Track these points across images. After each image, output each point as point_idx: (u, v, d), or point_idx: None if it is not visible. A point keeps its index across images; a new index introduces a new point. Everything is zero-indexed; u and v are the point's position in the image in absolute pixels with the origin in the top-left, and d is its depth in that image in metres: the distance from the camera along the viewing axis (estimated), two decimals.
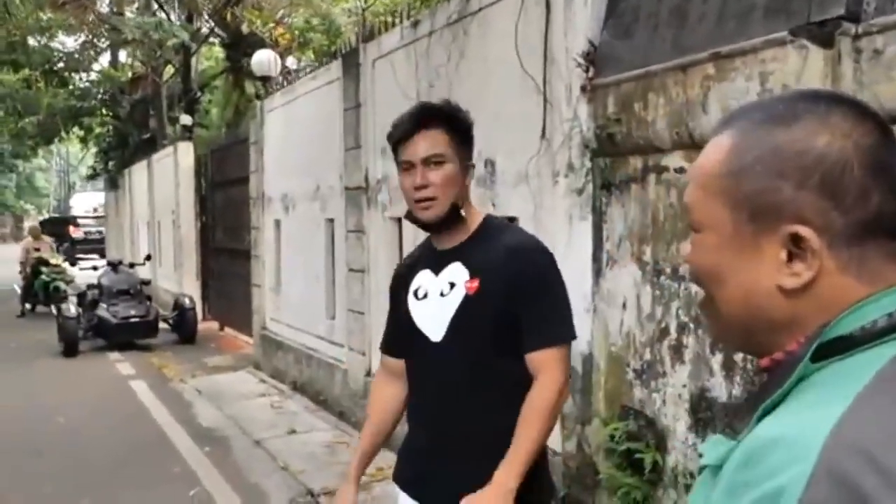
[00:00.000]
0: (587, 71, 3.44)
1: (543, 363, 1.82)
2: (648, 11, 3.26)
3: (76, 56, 18.23)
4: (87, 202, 35.31)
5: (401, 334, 1.99)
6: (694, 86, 2.90)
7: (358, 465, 2.04)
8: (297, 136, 7.38)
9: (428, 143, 1.82)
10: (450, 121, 1.87)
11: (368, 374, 5.83)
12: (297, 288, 7.45)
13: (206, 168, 11.58)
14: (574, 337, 1.89)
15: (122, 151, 18.22)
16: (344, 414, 6.20)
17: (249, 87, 11.69)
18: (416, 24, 5.00)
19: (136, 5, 15.73)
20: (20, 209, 44.60)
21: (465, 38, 4.45)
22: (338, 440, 5.65)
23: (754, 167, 0.72)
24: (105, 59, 19.89)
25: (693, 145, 2.91)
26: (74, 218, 29.51)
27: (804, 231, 0.70)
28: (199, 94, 15.54)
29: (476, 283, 1.83)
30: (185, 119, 12.91)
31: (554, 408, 1.81)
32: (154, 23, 11.69)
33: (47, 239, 13.75)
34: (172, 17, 14.43)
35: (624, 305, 3.38)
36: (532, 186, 3.88)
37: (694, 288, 2.84)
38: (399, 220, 5.32)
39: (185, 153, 12.33)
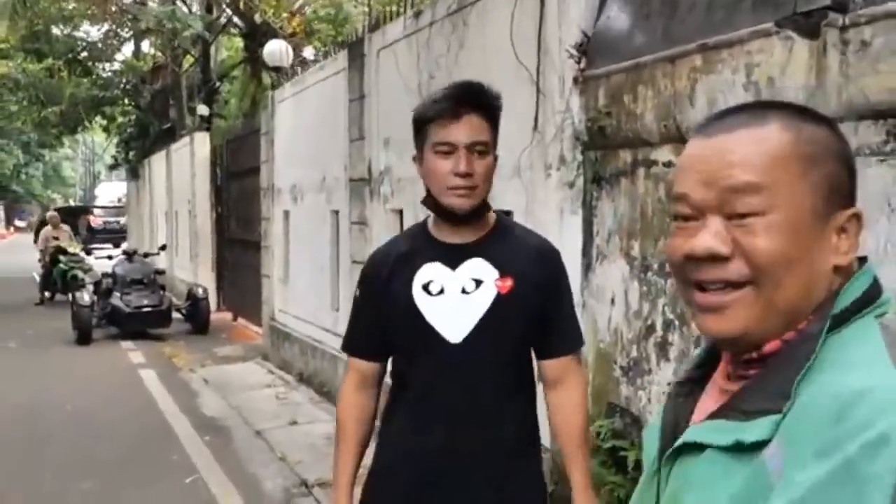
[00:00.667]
0: (579, 62, 3.42)
1: (569, 368, 1.83)
2: (641, 1, 3.22)
3: (99, 45, 18.48)
4: (111, 192, 35.83)
5: (377, 333, 1.83)
6: (682, 78, 2.86)
7: (348, 496, 1.84)
8: (305, 126, 7.42)
9: (474, 128, 1.69)
10: (492, 106, 1.75)
11: None
12: (304, 279, 7.50)
13: (221, 158, 11.69)
14: (584, 342, 1.93)
15: (143, 141, 18.45)
16: None
17: (266, 78, 11.75)
18: (418, 15, 4.99)
19: None
20: (47, 198, 45.32)
21: (464, 28, 4.43)
22: None
23: (825, 153, 0.80)
24: (129, 48, 20.15)
25: (680, 139, 2.88)
26: (89, 208, 29.96)
27: (860, 212, 0.80)
28: (218, 84, 15.67)
29: (510, 283, 1.75)
30: (202, 109, 13.04)
31: (589, 420, 1.88)
32: (167, 12, 11.79)
33: (66, 228, 13.98)
34: (194, 7, 14.59)
35: (612, 301, 3.36)
36: (525, 179, 3.86)
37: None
38: (400, 212, 5.33)
39: (202, 143, 12.45)
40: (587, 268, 3.50)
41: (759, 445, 0.74)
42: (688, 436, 0.83)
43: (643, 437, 1.00)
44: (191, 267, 13.19)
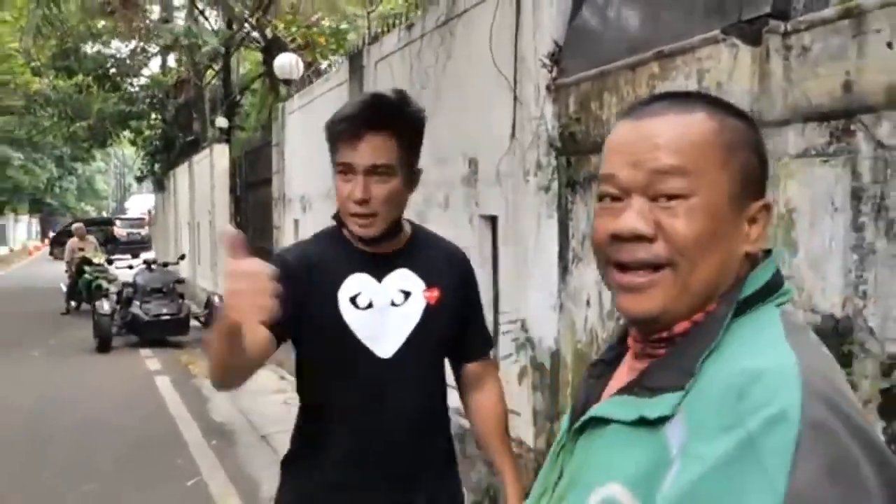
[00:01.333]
0: (551, 71, 3.51)
1: (488, 371, 1.85)
2: (607, 11, 3.31)
3: (127, 62, 18.97)
4: (141, 204, 36.55)
5: (282, 327, 1.56)
6: (641, 84, 2.95)
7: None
8: (312, 137, 7.59)
9: (375, 149, 1.56)
10: (402, 122, 1.61)
11: None
12: None
13: (240, 169, 11.94)
14: (493, 344, 2.00)
15: (168, 154, 18.86)
16: None
17: (283, 90, 11.99)
18: (410, 27, 5.13)
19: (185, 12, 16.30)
20: (80, 211, 46.36)
21: (451, 39, 4.56)
22: None
23: (744, 144, 0.84)
24: (156, 63, 20.65)
25: None
26: (112, 219, 30.63)
27: (770, 203, 0.84)
28: (239, 97, 16.00)
29: (437, 293, 1.69)
30: (221, 121, 13.33)
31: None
32: (185, 29, 12.13)
33: (91, 239, 14.34)
34: (213, 22, 14.94)
35: (588, 303, 3.44)
36: (506, 185, 3.96)
37: None
38: None
39: (221, 155, 12.72)
40: (564, 270, 3.59)
41: (661, 421, 0.77)
42: (594, 411, 0.86)
43: (561, 426, 1.01)
44: (211, 276, 13.46)
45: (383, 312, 1.66)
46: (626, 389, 0.84)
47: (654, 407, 0.78)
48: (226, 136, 13.28)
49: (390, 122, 1.59)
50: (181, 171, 16.68)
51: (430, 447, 1.73)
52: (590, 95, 3.26)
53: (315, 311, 1.64)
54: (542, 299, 3.66)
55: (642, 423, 0.79)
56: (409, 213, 5.43)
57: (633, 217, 0.81)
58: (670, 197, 0.81)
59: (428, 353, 1.70)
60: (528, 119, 3.70)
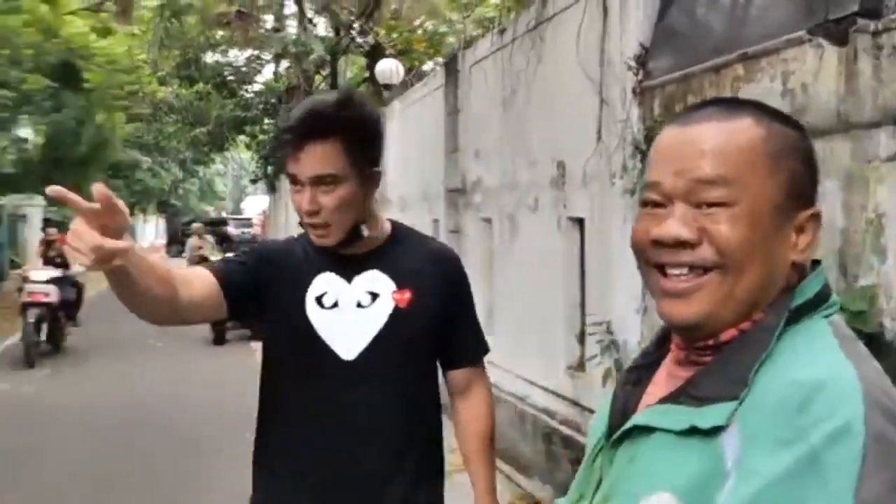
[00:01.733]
0: (637, 73, 3.50)
1: (475, 379, 1.73)
2: (693, 13, 3.27)
3: (243, 69, 19.96)
4: (256, 205, 38.24)
5: (247, 288, 1.60)
6: (726, 87, 2.91)
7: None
8: (410, 140, 7.79)
9: (317, 160, 1.50)
10: (344, 128, 1.53)
11: None
12: None
13: None
14: (489, 348, 1.79)
15: (280, 157, 19.64)
16: (444, 407, 6.49)
17: (385, 94, 12.30)
18: (502, 32, 5.20)
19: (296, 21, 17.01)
20: (202, 211, 48.98)
21: (541, 43, 4.59)
22: None
23: (792, 152, 0.82)
24: (269, 70, 21.61)
25: None
26: (226, 219, 32.11)
27: (819, 212, 0.83)
28: None
29: (408, 295, 1.62)
30: None
31: (494, 431, 1.74)
32: (293, 38, 12.65)
33: (209, 238, 15.17)
34: (322, 29, 15.48)
35: None
36: (593, 188, 3.96)
37: None
38: (490, 221, 5.54)
39: None
40: None
41: (714, 431, 0.74)
42: (638, 419, 0.84)
43: (590, 427, 1.00)
44: None
45: (348, 313, 1.60)
46: (671, 398, 0.82)
47: (705, 417, 0.76)
48: None
49: (331, 129, 1.52)
50: None
51: (399, 454, 1.60)
52: (674, 98, 3.23)
53: (281, 307, 1.62)
54: (627, 302, 3.64)
55: (692, 432, 0.76)
56: (501, 215, 5.50)
57: (676, 224, 0.80)
58: (712, 205, 0.79)
59: (397, 356, 1.60)
60: (613, 122, 3.69)
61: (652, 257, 0.83)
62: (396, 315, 1.61)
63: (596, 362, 3.79)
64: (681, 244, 0.80)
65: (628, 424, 0.85)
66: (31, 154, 18.20)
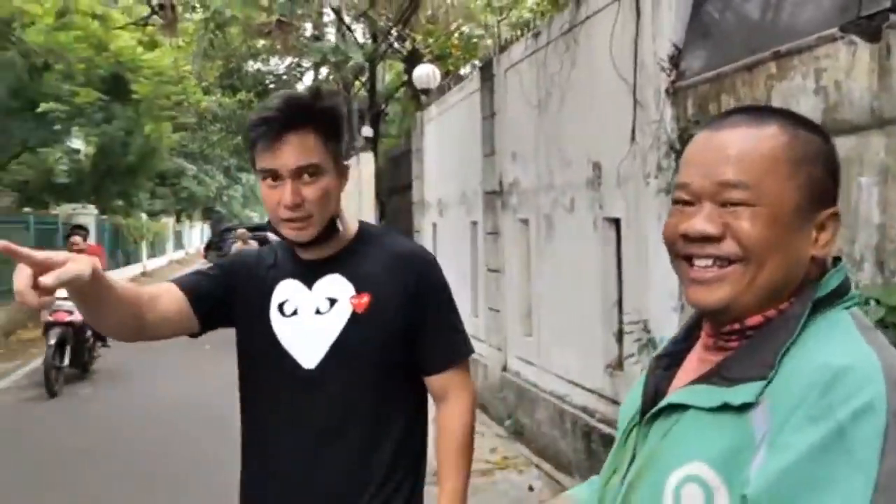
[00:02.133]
0: (670, 74, 3.50)
1: (452, 384, 1.59)
2: (725, 12, 3.27)
3: (283, 77, 20.28)
4: None
5: (214, 301, 1.57)
6: (759, 85, 2.90)
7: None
8: (448, 144, 7.86)
9: (299, 150, 1.44)
10: (321, 118, 1.48)
11: (504, 368, 6.12)
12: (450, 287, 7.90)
13: (384, 175, 12.49)
14: (472, 351, 1.66)
15: None
16: (485, 406, 6.53)
17: (423, 99, 12.40)
18: (536, 35, 5.22)
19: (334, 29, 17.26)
20: (245, 217, 49.77)
21: (575, 46, 4.61)
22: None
23: (814, 158, 0.89)
24: (309, 77, 21.92)
25: None
26: (264, 225, 32.52)
27: (839, 211, 0.90)
28: (383, 106, 16.67)
29: (366, 299, 1.53)
30: (366, 131, 13.96)
31: (473, 434, 1.62)
32: (332, 47, 12.84)
33: (253, 243, 15.45)
34: (361, 36, 15.68)
35: None
36: (629, 188, 3.97)
37: None
38: (526, 222, 5.57)
39: (367, 162, 13.34)
40: None
41: (744, 408, 0.82)
42: (672, 398, 0.91)
43: (620, 412, 1.07)
44: None
45: (307, 320, 1.54)
46: (703, 379, 0.89)
47: (736, 394, 0.83)
48: (371, 144, 13.89)
49: (309, 118, 1.46)
50: None
51: (365, 465, 1.51)
52: (708, 97, 3.23)
53: (247, 316, 1.58)
54: (663, 300, 3.65)
55: (724, 409, 0.83)
56: (538, 216, 5.50)
57: (702, 221, 0.87)
58: (735, 204, 0.86)
59: (358, 363, 1.51)
60: (647, 122, 3.70)
61: (681, 250, 0.90)
62: (353, 320, 1.52)
63: (634, 361, 3.80)
64: (706, 239, 0.87)
65: (663, 403, 0.92)
66: (83, 164, 18.77)
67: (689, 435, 0.87)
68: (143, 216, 25.52)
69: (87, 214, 17.38)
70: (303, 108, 1.47)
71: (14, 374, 9.18)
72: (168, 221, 31.82)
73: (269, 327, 1.55)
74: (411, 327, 1.54)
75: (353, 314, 1.52)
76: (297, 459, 1.51)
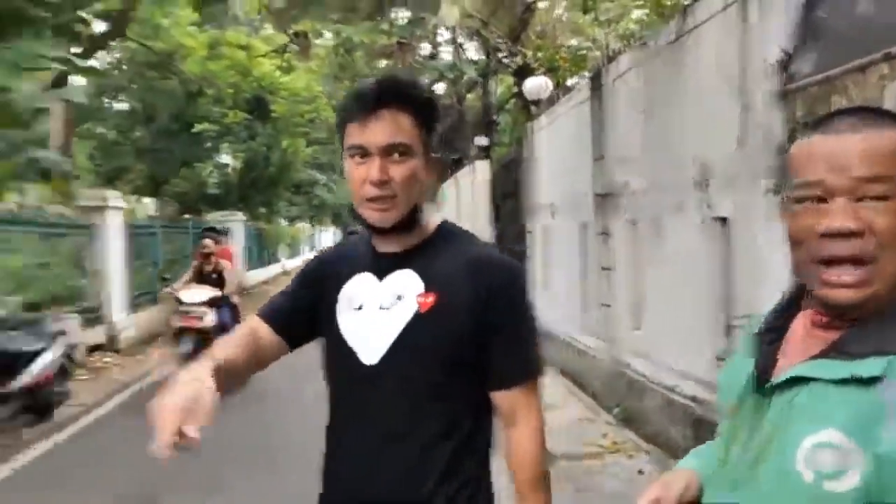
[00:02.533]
0: (780, 77, 3.41)
1: (518, 405, 1.38)
2: (834, 16, 3.15)
3: None
4: None
5: (296, 316, 1.50)
6: (871, 86, 2.79)
7: (213, 361, 1.32)
8: (558, 151, 7.86)
9: (391, 127, 1.33)
10: (416, 102, 1.37)
11: (614, 360, 6.09)
12: (559, 285, 7.91)
13: (498, 181, 12.60)
14: (543, 374, 1.44)
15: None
16: (596, 395, 6.51)
17: (533, 110, 12.42)
18: (643, 45, 5.17)
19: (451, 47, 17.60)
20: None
21: (682, 53, 4.54)
22: (586, 417, 5.99)
23: None
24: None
25: None
26: (353, 231, 33.32)
27: None
28: (496, 117, 16.80)
29: (432, 299, 1.37)
30: (481, 140, 14.12)
31: (545, 460, 1.41)
32: (448, 64, 13.08)
33: None
34: (474, 52, 15.89)
35: None
36: (736, 188, 3.89)
37: None
38: (635, 222, 5.52)
39: (482, 169, 13.51)
40: None
41: (872, 381, 0.85)
42: (797, 370, 0.92)
43: (719, 381, 1.08)
44: None
45: (371, 315, 1.40)
46: (824, 354, 0.91)
47: (864, 367, 0.85)
48: (485, 152, 14.04)
49: (405, 98, 1.35)
50: (448, 186, 17.91)
51: (426, 463, 1.36)
52: (818, 99, 3.13)
53: (320, 311, 1.48)
54: (772, 297, 3.53)
55: (851, 381, 0.86)
56: (647, 217, 5.47)
57: (843, 217, 0.88)
58: (873, 199, 0.87)
59: (417, 364, 1.36)
60: (755, 125, 3.62)
61: (816, 252, 0.90)
62: (416, 319, 1.37)
63: None
64: (847, 234, 0.88)
65: (785, 375, 0.93)
66: (231, 177, 20.02)
67: (817, 405, 0.88)
68: (283, 221, 26.85)
69: (236, 221, 18.51)
70: (399, 86, 1.36)
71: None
72: (303, 226, 33.28)
73: (336, 322, 1.44)
74: (479, 332, 1.36)
75: (417, 313, 1.37)
76: (360, 454, 1.39)
